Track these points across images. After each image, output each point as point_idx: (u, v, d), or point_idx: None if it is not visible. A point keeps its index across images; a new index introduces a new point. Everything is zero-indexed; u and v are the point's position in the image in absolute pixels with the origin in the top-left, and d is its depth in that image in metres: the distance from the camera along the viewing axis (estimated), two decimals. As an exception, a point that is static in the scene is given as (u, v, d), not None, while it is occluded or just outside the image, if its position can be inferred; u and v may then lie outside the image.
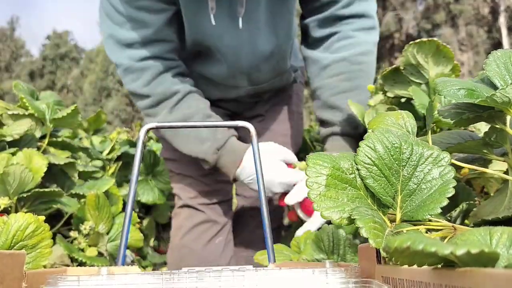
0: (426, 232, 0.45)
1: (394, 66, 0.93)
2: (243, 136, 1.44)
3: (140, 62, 1.15)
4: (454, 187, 0.44)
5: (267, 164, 1.09)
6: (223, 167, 1.15)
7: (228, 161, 1.14)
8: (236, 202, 1.56)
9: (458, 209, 0.59)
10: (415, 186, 0.45)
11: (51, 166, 1.10)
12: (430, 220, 0.45)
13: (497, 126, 0.52)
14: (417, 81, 0.89)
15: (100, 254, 1.12)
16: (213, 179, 1.36)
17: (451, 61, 0.85)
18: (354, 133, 1.14)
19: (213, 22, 1.11)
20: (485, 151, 0.55)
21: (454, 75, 0.85)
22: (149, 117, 1.21)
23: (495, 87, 0.51)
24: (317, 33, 1.20)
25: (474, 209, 0.55)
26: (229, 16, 1.14)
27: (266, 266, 0.60)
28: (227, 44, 1.18)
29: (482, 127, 0.73)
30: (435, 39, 0.83)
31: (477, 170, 0.61)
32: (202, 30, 1.15)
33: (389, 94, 0.94)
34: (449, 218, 0.59)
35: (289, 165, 1.14)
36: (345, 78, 1.15)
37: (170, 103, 1.17)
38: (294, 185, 1.09)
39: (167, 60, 1.18)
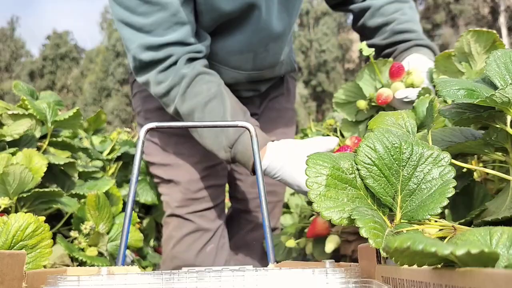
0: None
1: (447, 51, 0.89)
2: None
3: (160, 50, 1.05)
4: (454, 187, 0.44)
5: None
6: (240, 160, 1.02)
7: (245, 152, 1.00)
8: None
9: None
10: (415, 186, 0.45)
11: (51, 166, 1.10)
12: (429, 220, 0.45)
13: (497, 126, 0.52)
14: (463, 71, 0.85)
15: (100, 254, 1.12)
16: (203, 185, 1.31)
17: None
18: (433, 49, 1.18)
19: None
20: (486, 150, 0.55)
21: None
22: (166, 107, 1.11)
23: (495, 87, 0.51)
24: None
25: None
26: None
27: (266, 266, 0.60)
28: (243, 19, 1.12)
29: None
30: (493, 31, 0.78)
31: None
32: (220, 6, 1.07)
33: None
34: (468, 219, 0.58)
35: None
36: (402, 13, 1.23)
37: (180, 89, 1.06)
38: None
39: (188, 45, 1.07)
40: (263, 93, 1.42)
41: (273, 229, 1.43)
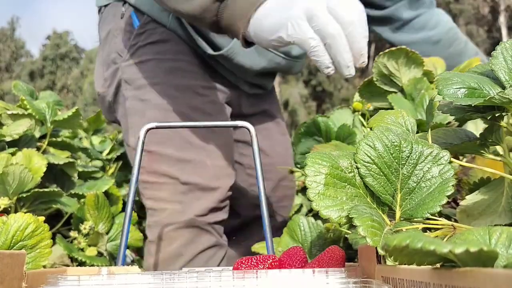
0: (425, 231, 0.45)
1: (367, 79, 0.93)
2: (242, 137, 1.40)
3: None
4: (453, 185, 0.44)
5: None
6: (233, 12, 0.76)
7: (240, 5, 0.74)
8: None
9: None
10: (415, 184, 0.45)
11: (51, 166, 1.09)
12: (429, 219, 0.45)
13: (500, 124, 0.51)
14: (391, 90, 0.90)
15: (99, 254, 1.12)
16: (230, 188, 1.07)
17: (421, 66, 0.86)
18: None
19: None
20: (482, 151, 0.55)
21: (426, 79, 0.85)
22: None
23: (499, 82, 0.50)
24: (406, 14, 1.27)
25: (461, 203, 0.54)
26: None
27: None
28: None
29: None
30: (403, 47, 0.85)
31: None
32: None
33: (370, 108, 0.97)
34: None
35: None
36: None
37: None
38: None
39: None
40: (263, 95, 1.28)
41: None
